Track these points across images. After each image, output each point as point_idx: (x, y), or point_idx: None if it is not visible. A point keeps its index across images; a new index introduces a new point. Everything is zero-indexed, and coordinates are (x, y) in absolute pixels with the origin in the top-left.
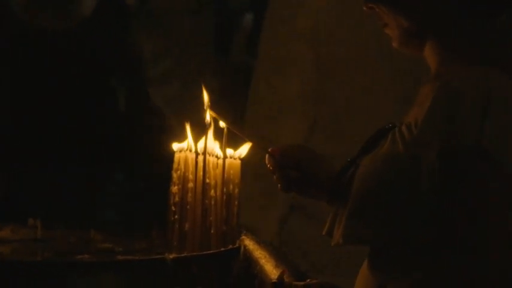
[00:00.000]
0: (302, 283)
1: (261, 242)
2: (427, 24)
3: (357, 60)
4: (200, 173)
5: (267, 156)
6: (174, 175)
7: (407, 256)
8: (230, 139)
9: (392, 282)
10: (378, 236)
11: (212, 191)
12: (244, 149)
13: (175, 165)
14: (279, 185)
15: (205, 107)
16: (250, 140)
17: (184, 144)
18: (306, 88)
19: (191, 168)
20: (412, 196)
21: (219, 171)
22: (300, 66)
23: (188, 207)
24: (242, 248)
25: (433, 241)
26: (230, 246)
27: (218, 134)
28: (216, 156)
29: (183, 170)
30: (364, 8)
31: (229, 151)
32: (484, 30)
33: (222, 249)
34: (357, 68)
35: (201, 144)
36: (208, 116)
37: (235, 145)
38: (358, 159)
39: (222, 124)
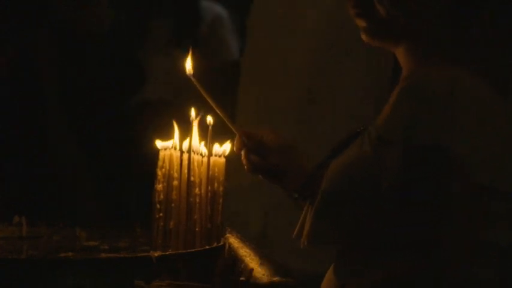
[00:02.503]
0: (267, 281)
1: (245, 240)
2: (407, 23)
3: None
4: (185, 170)
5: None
6: (159, 173)
7: (368, 256)
8: (215, 136)
9: (353, 283)
10: (341, 237)
11: (197, 189)
12: (229, 145)
13: (160, 163)
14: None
15: (187, 73)
16: (227, 121)
17: (168, 143)
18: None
19: (176, 166)
20: (374, 196)
21: (203, 169)
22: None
23: (173, 205)
24: (227, 246)
25: (393, 241)
26: (215, 244)
27: (203, 131)
28: (201, 154)
29: (167, 167)
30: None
31: (215, 146)
32: (460, 32)
33: (207, 247)
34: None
35: (185, 142)
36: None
37: (220, 141)
38: (329, 161)
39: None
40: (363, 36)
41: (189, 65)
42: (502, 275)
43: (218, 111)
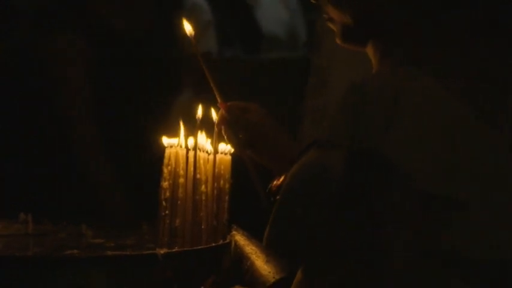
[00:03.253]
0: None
1: (251, 237)
2: (368, 23)
3: None
4: (191, 168)
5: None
6: (165, 170)
7: (322, 260)
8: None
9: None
10: (296, 241)
11: (203, 187)
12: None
13: (166, 161)
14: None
15: (188, 35)
16: (216, 92)
17: (174, 140)
18: None
19: (182, 163)
20: (321, 202)
21: (209, 166)
22: None
23: (179, 202)
24: (233, 243)
25: (342, 246)
26: (221, 242)
27: (209, 129)
28: (207, 152)
29: (173, 165)
30: (312, 1)
31: (221, 145)
32: (424, 31)
33: (213, 244)
34: None
35: (191, 140)
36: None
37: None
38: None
39: (214, 117)
40: (337, 40)
41: (188, 26)
42: (448, 284)
43: (210, 80)
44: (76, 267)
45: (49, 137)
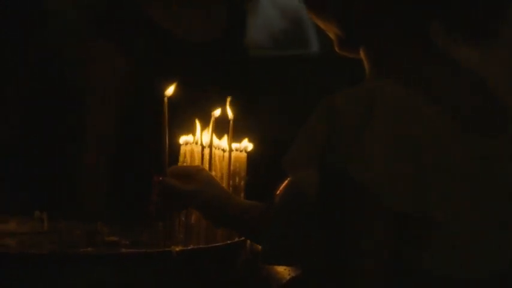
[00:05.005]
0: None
1: None
2: (355, 34)
3: None
4: (206, 165)
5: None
6: None
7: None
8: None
9: None
10: (286, 256)
11: None
12: (247, 142)
13: (181, 158)
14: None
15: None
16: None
17: (189, 137)
18: None
19: (197, 161)
20: (303, 220)
21: (225, 163)
22: None
23: None
24: (248, 241)
25: (320, 264)
26: (236, 239)
27: (224, 127)
28: (222, 150)
29: (189, 162)
30: (308, 16)
31: (235, 145)
32: (408, 43)
33: (228, 242)
34: None
35: (206, 137)
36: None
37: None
38: None
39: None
40: (336, 48)
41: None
42: None
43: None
44: (90, 264)
45: (65, 134)
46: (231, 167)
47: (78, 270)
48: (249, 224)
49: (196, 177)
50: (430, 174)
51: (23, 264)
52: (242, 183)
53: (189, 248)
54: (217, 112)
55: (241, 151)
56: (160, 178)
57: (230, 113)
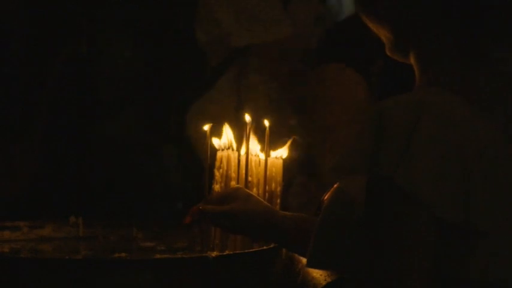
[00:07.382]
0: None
1: None
2: (405, 38)
3: None
4: (242, 171)
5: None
6: (217, 173)
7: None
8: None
9: None
10: (333, 263)
11: (254, 189)
12: (285, 150)
13: (217, 164)
14: None
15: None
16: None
17: (224, 141)
18: None
19: (233, 166)
20: (344, 226)
21: (261, 169)
22: None
23: None
24: None
25: (365, 274)
26: (272, 245)
27: (260, 134)
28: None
29: (225, 168)
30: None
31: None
32: (456, 49)
33: (264, 247)
34: None
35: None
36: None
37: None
38: None
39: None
40: (387, 52)
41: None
42: None
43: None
44: (126, 270)
45: (101, 142)
46: (267, 173)
47: (113, 276)
48: (301, 238)
49: (235, 197)
50: (479, 184)
51: (58, 269)
52: (278, 188)
53: (225, 253)
54: (247, 117)
55: (277, 157)
56: (200, 207)
57: (266, 122)
